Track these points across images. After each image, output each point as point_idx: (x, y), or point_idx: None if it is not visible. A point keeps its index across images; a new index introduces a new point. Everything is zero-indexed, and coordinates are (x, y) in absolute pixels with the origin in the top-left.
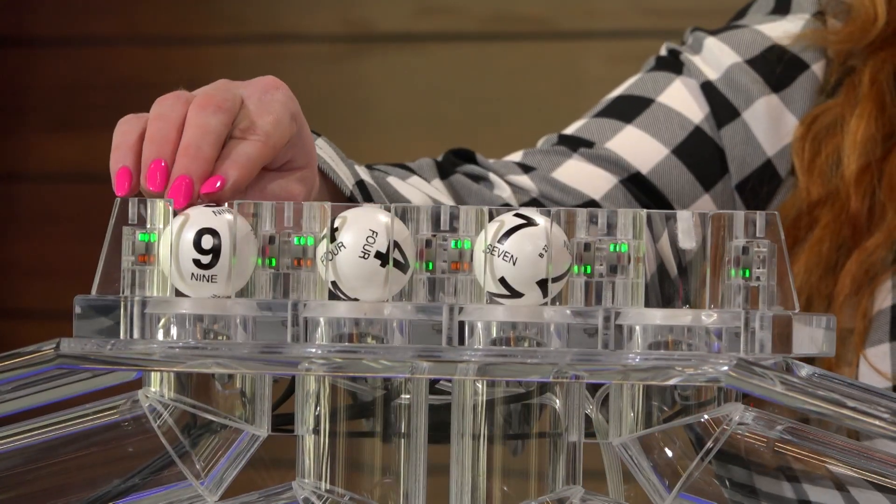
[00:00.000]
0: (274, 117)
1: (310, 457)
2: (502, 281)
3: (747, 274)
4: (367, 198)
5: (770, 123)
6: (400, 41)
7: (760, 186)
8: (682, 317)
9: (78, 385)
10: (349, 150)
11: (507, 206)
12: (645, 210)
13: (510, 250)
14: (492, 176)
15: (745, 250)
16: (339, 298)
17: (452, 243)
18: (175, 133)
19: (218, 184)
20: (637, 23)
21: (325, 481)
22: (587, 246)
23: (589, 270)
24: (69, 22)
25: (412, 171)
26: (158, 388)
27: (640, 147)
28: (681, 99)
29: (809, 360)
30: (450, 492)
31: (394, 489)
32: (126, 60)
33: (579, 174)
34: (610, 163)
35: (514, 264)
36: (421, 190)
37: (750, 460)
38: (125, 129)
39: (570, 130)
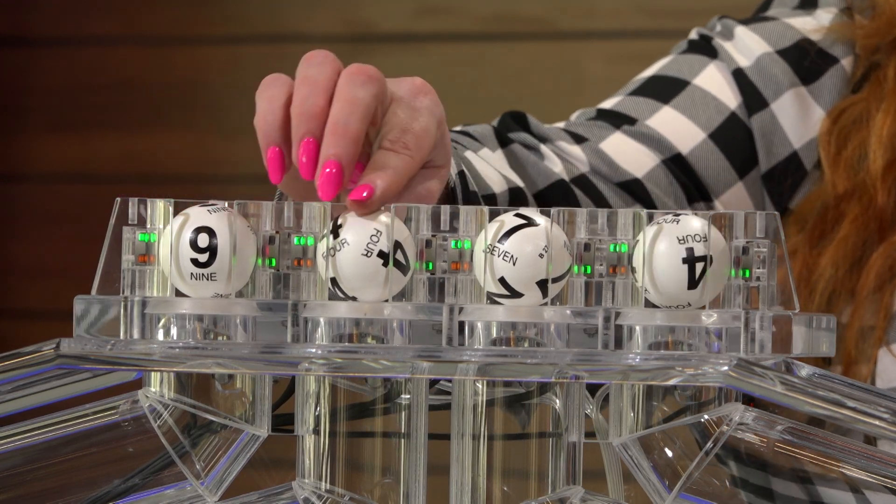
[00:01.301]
0: (422, 127)
1: (310, 457)
2: (502, 281)
3: (747, 274)
4: (465, 186)
5: (798, 115)
6: (400, 41)
7: (785, 178)
8: (682, 317)
9: (78, 385)
10: None
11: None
12: (646, 210)
13: (510, 250)
14: (542, 148)
15: (745, 250)
16: (337, 297)
17: (452, 243)
18: (324, 101)
19: (365, 193)
20: (637, 23)
21: (325, 481)
22: (587, 246)
23: (589, 270)
24: (69, 22)
25: (478, 141)
26: (158, 388)
27: (678, 128)
28: (716, 83)
29: (827, 358)
30: (450, 492)
31: (394, 489)
32: (126, 60)
33: (625, 150)
34: (653, 141)
35: (514, 264)
36: (491, 164)
37: (760, 462)
38: (271, 95)
39: (606, 106)
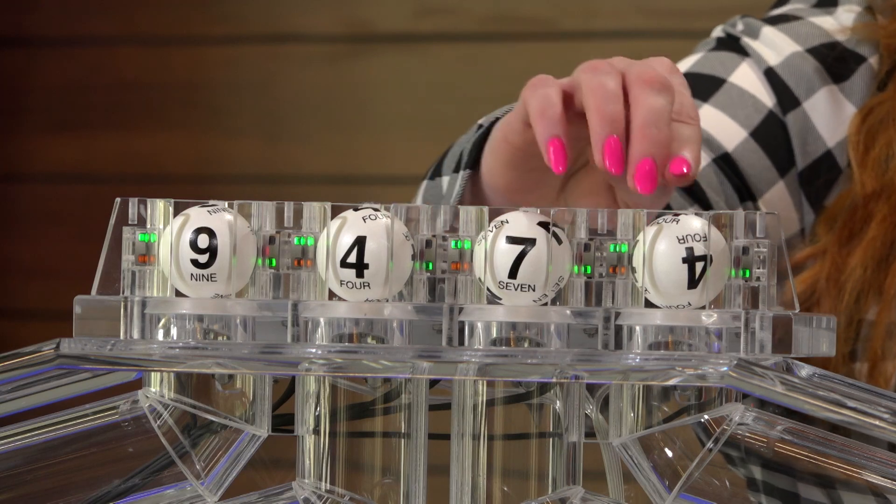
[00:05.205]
0: (690, 100)
1: (310, 457)
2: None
3: (747, 274)
4: None
5: (831, 114)
6: (400, 41)
7: (818, 177)
8: (682, 317)
9: (78, 385)
10: (349, 150)
11: None
12: (645, 210)
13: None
14: None
15: (745, 250)
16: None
17: (452, 243)
18: (622, 108)
19: (685, 168)
20: (637, 23)
21: (325, 481)
22: (587, 246)
23: (589, 270)
24: (69, 22)
25: None
26: (158, 388)
27: (721, 126)
28: (750, 81)
29: (853, 356)
30: (450, 492)
31: (394, 489)
32: (126, 60)
33: None
34: (703, 140)
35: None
36: None
37: (763, 461)
38: (547, 93)
39: None
